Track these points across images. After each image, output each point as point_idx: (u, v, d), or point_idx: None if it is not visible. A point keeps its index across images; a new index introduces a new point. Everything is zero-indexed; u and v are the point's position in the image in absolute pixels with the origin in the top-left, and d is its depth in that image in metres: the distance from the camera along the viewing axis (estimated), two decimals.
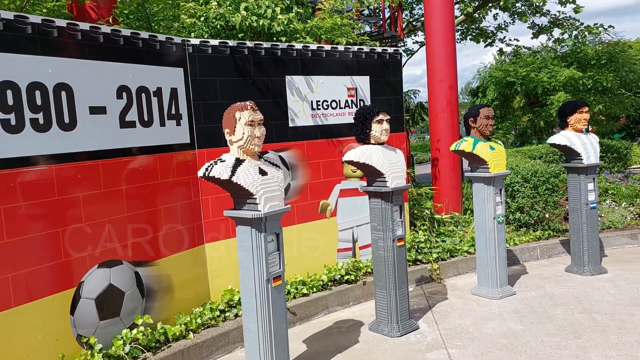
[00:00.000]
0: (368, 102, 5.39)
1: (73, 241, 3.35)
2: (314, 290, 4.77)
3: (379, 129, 4.08)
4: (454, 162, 7.25)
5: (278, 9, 4.72)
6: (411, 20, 16.52)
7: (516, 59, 13.28)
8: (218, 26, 4.71)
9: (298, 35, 5.13)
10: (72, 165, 3.36)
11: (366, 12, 11.58)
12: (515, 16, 14.43)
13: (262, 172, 3.21)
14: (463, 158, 6.15)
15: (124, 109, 3.71)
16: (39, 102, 3.17)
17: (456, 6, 12.93)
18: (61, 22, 3.33)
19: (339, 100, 5.18)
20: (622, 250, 6.37)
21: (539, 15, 13.85)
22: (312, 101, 4.99)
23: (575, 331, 4.00)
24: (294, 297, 4.64)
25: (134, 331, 3.61)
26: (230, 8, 4.66)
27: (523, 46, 14.30)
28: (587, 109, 5.37)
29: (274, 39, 5.13)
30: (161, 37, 4.03)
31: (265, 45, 4.65)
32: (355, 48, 5.27)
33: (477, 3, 12.70)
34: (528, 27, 14.29)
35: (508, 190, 6.74)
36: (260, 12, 4.71)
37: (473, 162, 4.93)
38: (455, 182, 7.30)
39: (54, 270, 3.25)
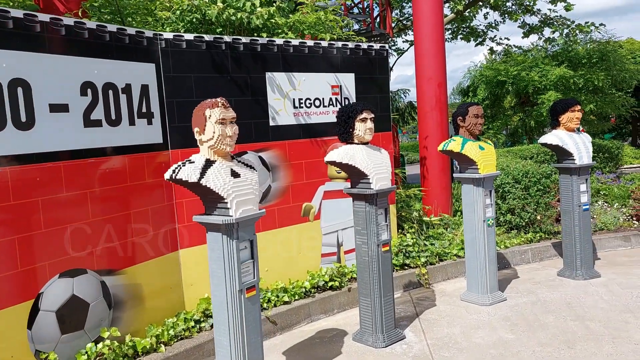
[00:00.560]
0: (353, 100, 5.18)
1: (30, 249, 3.10)
2: (296, 297, 4.55)
3: (363, 128, 3.86)
4: (443, 162, 7.06)
5: (257, 2, 4.49)
6: (401, 19, 16.35)
7: (507, 58, 13.13)
8: (194, 20, 4.47)
9: (280, 31, 4.91)
10: (30, 167, 3.11)
11: (356, 10, 11.38)
12: (506, 15, 14.31)
13: (235, 174, 2.98)
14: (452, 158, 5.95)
15: (89, 106, 3.46)
16: None
17: (446, 4, 12.76)
18: (17, 13, 3.08)
19: (323, 98, 4.96)
20: (615, 253, 6.21)
21: (529, 14, 13.73)
22: (294, 99, 4.76)
23: (568, 340, 3.81)
24: (275, 305, 4.42)
25: (100, 345, 3.37)
26: (207, 0, 4.42)
27: (514, 45, 14.17)
28: (579, 107, 5.19)
29: (255, 34, 4.91)
30: (130, 31, 3.79)
31: (244, 40, 4.42)
32: (340, 44, 5.06)
33: (467, 1, 12.52)
34: (519, 27, 14.17)
35: (498, 191, 6.56)
36: (239, 5, 4.48)
37: (462, 162, 4.74)
38: (445, 183, 7.11)
39: (8, 281, 3.00)
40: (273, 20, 4.76)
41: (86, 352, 3.31)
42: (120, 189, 3.67)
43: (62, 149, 3.29)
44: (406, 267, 5.41)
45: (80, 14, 4.36)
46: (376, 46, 5.35)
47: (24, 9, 3.71)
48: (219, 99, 2.94)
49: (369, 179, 3.88)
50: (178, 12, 4.53)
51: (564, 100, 5.27)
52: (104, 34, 3.58)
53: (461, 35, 15.53)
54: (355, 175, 3.97)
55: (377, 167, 3.91)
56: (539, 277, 5.42)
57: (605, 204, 7.78)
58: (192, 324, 3.95)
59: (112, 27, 3.65)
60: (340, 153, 3.87)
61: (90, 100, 3.46)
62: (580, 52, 11.71)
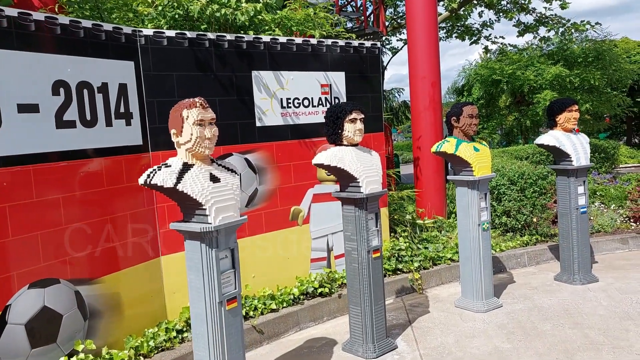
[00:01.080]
0: (344, 100, 5.00)
1: None
2: (284, 305, 4.37)
3: (352, 129, 3.69)
4: (437, 162, 6.90)
5: None
6: (395, 17, 16.18)
7: (502, 56, 12.99)
8: (176, 16, 4.28)
9: (266, 27, 4.72)
10: None
11: (349, 9, 11.20)
12: (501, 14, 14.17)
13: (214, 179, 2.80)
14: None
15: (62, 107, 3.27)
16: None
17: (440, 2, 12.61)
18: None
19: (312, 98, 4.78)
20: (613, 256, 6.06)
21: (524, 13, 13.59)
22: (281, 98, 4.58)
23: (567, 350, 3.65)
24: (262, 314, 4.24)
25: (74, 359, 3.18)
26: None
27: (509, 44, 14.03)
28: (576, 107, 5.04)
29: (242, 32, 4.72)
30: (107, 27, 3.59)
31: (229, 37, 4.23)
32: (330, 41, 4.88)
33: None
34: (514, 26, 14.02)
35: (494, 193, 6.41)
36: (224, 0, 4.29)
37: (456, 164, 4.57)
38: (439, 184, 6.95)
39: None
40: (260, 17, 4.58)
41: None
42: (97, 193, 3.48)
43: (32, 151, 3.10)
44: (399, 272, 5.24)
45: (57, 9, 4.16)
46: (367, 44, 5.18)
47: None
48: (196, 99, 2.76)
49: (358, 182, 3.71)
50: (160, 7, 4.34)
51: (561, 100, 5.12)
52: (78, 30, 3.39)
53: (456, 34, 15.39)
54: (344, 178, 3.79)
55: (367, 169, 3.74)
56: (535, 282, 5.26)
57: (602, 205, 7.65)
58: (174, 334, 3.77)
59: (87, 23, 3.45)
60: (328, 155, 3.70)
61: (62, 100, 3.27)
62: (575, 51, 11.58)
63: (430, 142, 6.51)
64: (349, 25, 10.30)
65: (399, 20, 16.32)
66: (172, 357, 3.54)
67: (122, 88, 3.67)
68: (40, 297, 3.13)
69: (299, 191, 4.72)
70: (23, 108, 3.05)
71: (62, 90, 3.27)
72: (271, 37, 4.48)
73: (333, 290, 4.66)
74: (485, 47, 14.15)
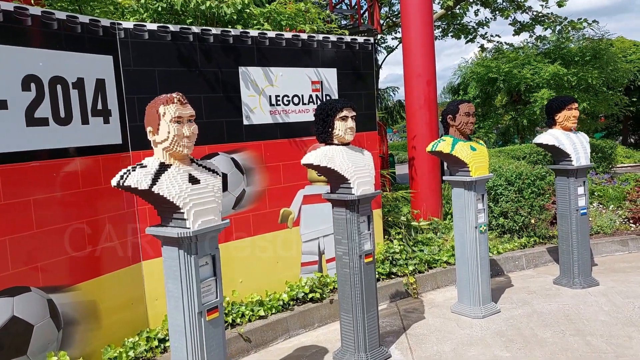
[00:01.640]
0: (336, 97, 4.82)
1: None
2: (273, 311, 4.18)
3: (343, 127, 3.50)
4: (432, 162, 6.72)
5: None
6: (391, 16, 16.02)
7: (498, 54, 12.84)
8: (159, 8, 4.08)
9: (255, 22, 4.53)
10: None
11: (344, 6, 11.02)
12: (497, 12, 14.02)
13: (193, 180, 2.61)
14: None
15: (33, 103, 3.06)
16: None
17: (435, 0, 12.45)
18: None
19: (302, 95, 4.59)
20: (613, 259, 5.91)
21: (520, 11, 13.45)
22: (270, 96, 4.39)
23: (569, 359, 3.48)
24: (250, 321, 4.05)
25: None
26: None
27: (505, 42, 13.90)
28: (576, 105, 4.87)
29: (229, 26, 4.53)
30: (83, 19, 3.39)
31: (215, 31, 4.04)
32: (321, 37, 4.69)
33: None
34: (509, 24, 13.89)
35: (491, 193, 6.24)
36: None
37: (452, 164, 4.39)
38: (434, 185, 6.78)
39: None
40: (248, 11, 4.38)
41: None
42: (72, 195, 3.27)
43: (0, 150, 2.89)
44: (393, 276, 5.06)
45: (32, 1, 3.95)
46: (360, 39, 5.00)
47: None
48: (174, 94, 2.57)
49: (349, 183, 3.52)
50: (142, 0, 4.14)
51: (560, 98, 4.95)
52: (51, 21, 3.19)
53: (451, 33, 15.24)
54: (334, 179, 3.61)
55: (359, 170, 3.56)
56: (534, 286, 5.09)
57: (600, 205, 7.50)
58: (156, 343, 3.58)
59: (61, 15, 3.25)
60: (317, 155, 3.51)
61: (34, 96, 3.07)
62: (572, 50, 11.45)
63: (425, 142, 6.34)
64: (344, 23, 10.13)
65: (394, 19, 16.16)
66: None
67: (100, 84, 3.46)
68: (9, 307, 2.93)
69: (289, 192, 4.53)
70: None
71: (33, 86, 3.06)
72: (259, 31, 4.29)
73: (324, 296, 4.48)
74: (481, 46, 14.02)
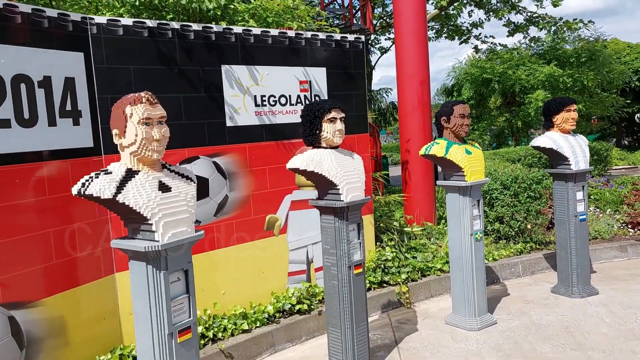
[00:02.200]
0: (325, 98, 4.60)
1: None
2: (257, 324, 3.94)
3: (332, 129, 3.29)
4: (426, 165, 6.52)
5: None
6: (384, 16, 15.82)
7: (493, 55, 12.68)
8: (136, 2, 3.84)
9: (239, 18, 4.30)
10: None
11: (336, 5, 10.82)
12: (491, 13, 13.89)
13: (164, 188, 2.37)
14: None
15: None
16: None
17: (429, 1, 12.27)
18: None
19: (290, 95, 4.37)
20: (612, 265, 5.73)
21: (514, 12, 13.32)
22: (256, 96, 4.16)
23: None
24: (232, 335, 3.81)
25: None
26: None
27: (499, 43, 13.75)
28: (575, 106, 4.68)
29: (213, 23, 4.30)
30: (51, 13, 3.15)
31: (196, 27, 3.81)
32: (309, 34, 4.47)
33: None
34: (504, 25, 13.76)
35: (486, 198, 6.04)
36: None
37: (446, 168, 4.18)
38: (428, 189, 6.57)
39: None
40: (232, 6, 4.15)
41: None
42: (37, 202, 3.03)
43: None
44: (385, 285, 4.84)
45: None
46: (351, 37, 4.78)
47: None
48: (142, 93, 2.34)
49: (338, 189, 3.30)
50: None
51: (558, 99, 4.75)
52: (14, 15, 2.94)
53: (445, 34, 15.08)
54: (322, 184, 3.39)
55: (348, 175, 3.34)
56: (531, 295, 4.89)
57: (597, 209, 7.33)
58: None
59: (25, 8, 3.01)
60: (304, 159, 3.29)
61: None
62: (568, 51, 11.30)
63: (419, 144, 6.13)
64: (336, 22, 9.92)
65: (387, 20, 15.97)
66: None
67: (69, 82, 3.22)
68: None
69: (276, 198, 4.30)
70: None
71: None
72: (244, 28, 4.06)
73: (313, 307, 4.25)
74: (475, 47, 13.86)
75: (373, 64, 15.26)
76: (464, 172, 4.04)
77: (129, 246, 2.31)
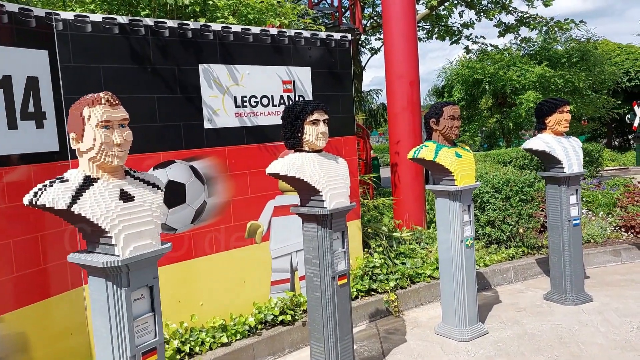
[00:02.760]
0: (310, 98, 4.41)
1: None
2: (238, 337, 3.74)
3: (314, 132, 3.10)
4: (415, 168, 6.35)
5: None
6: (375, 16, 15.68)
7: (484, 55, 12.56)
8: None
9: (219, 15, 4.10)
10: None
11: (325, 4, 10.66)
12: (482, 14, 13.78)
13: (126, 197, 2.17)
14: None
15: None
16: None
17: (420, 1, 12.13)
18: None
19: (272, 96, 4.18)
20: (606, 270, 5.59)
21: (505, 12, 13.22)
22: (236, 96, 3.96)
23: None
24: (210, 349, 3.61)
25: None
26: None
27: (490, 44, 13.64)
28: (568, 107, 4.53)
29: (192, 20, 4.10)
30: (11, 7, 2.93)
31: (171, 24, 3.60)
32: (293, 32, 4.28)
33: None
34: (494, 26, 13.66)
35: (477, 201, 5.88)
36: None
37: (436, 172, 4.01)
38: (418, 192, 6.41)
39: None
40: (211, 2, 3.96)
41: None
42: None
43: None
44: (373, 293, 4.66)
45: None
46: (337, 36, 4.60)
47: None
48: (102, 93, 2.14)
49: (321, 195, 3.12)
50: None
51: (550, 100, 4.60)
52: None
53: (436, 35, 14.96)
54: (304, 190, 3.20)
55: (332, 180, 3.16)
56: (523, 302, 4.74)
57: (590, 212, 7.20)
58: None
59: None
60: (285, 163, 3.10)
61: None
62: (559, 52, 11.21)
63: (408, 146, 5.96)
64: (325, 21, 9.75)
65: (378, 20, 15.82)
66: None
67: (32, 82, 3.01)
68: None
69: (257, 203, 4.11)
70: None
71: None
72: (223, 25, 3.86)
73: (297, 317, 4.06)
74: (466, 47, 13.74)
75: (363, 64, 15.10)
76: (454, 176, 3.87)
77: (86, 261, 2.11)
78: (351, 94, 4.78)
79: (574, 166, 4.50)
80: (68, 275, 3.19)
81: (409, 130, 6.26)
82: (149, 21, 3.51)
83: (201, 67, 3.75)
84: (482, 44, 13.66)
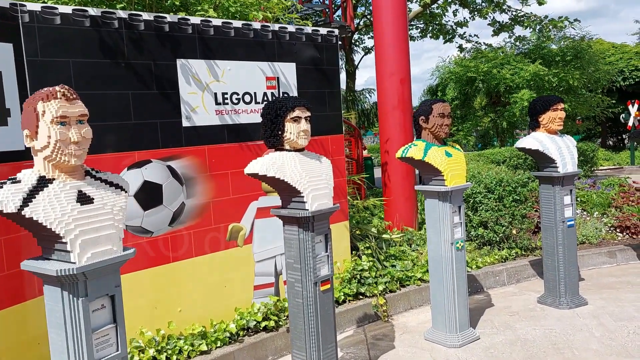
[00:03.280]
0: (295, 95, 4.24)
1: None
2: (218, 344, 3.58)
3: (295, 129, 2.95)
4: (407, 168, 6.20)
5: None
6: (368, 14, 15.53)
7: (477, 53, 12.44)
8: None
9: (199, 8, 3.94)
10: None
11: (316, 1, 10.50)
12: (476, 12, 13.67)
13: (84, 199, 2.01)
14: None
15: None
16: None
17: None
18: None
19: (255, 93, 4.01)
20: (600, 272, 5.46)
21: (499, 11, 13.11)
22: (216, 93, 3.80)
23: None
24: (189, 357, 3.44)
25: None
26: None
27: (484, 43, 13.52)
28: (562, 105, 4.39)
29: (172, 14, 3.93)
30: None
31: (146, 16, 3.43)
32: (277, 27, 4.12)
33: None
34: (488, 24, 13.56)
35: (469, 202, 5.74)
36: None
37: (425, 172, 3.86)
38: (409, 192, 6.26)
39: None
40: None
41: None
42: None
43: None
44: (361, 297, 4.51)
45: None
46: (323, 31, 4.44)
47: None
48: (58, 87, 1.97)
49: (302, 196, 2.96)
50: None
51: (544, 98, 4.46)
52: None
53: (430, 34, 14.83)
54: (285, 191, 3.05)
55: (314, 180, 3.00)
56: (516, 305, 4.59)
57: (585, 212, 7.08)
58: None
59: None
60: (264, 163, 2.95)
61: None
62: (553, 50, 11.09)
63: (398, 145, 5.78)
64: (316, 19, 9.58)
65: (372, 18, 15.68)
66: None
67: None
68: None
69: (240, 205, 3.94)
70: None
71: None
72: (202, 18, 3.69)
73: (281, 323, 3.90)
74: (460, 46, 13.63)
75: (357, 63, 14.96)
76: (443, 176, 3.72)
77: (39, 269, 1.94)
78: (338, 91, 4.63)
79: (568, 165, 4.36)
80: (35, 281, 3.01)
81: (399, 128, 6.12)
82: (123, 14, 3.33)
83: (179, 62, 3.59)
84: (476, 42, 13.55)
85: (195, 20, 3.65)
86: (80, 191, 2.01)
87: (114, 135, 3.30)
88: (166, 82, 3.54)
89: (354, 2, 11.04)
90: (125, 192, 2.19)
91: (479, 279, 5.14)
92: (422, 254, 5.36)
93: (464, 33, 13.93)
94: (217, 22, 3.76)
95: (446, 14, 13.99)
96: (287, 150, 3.02)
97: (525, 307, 4.54)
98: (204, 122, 3.72)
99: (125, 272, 3.31)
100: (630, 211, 6.60)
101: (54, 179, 1.98)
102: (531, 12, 12.28)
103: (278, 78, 4.14)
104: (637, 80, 17.55)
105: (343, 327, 4.23)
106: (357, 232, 5.13)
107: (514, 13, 12.66)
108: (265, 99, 4.06)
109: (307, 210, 2.95)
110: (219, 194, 3.81)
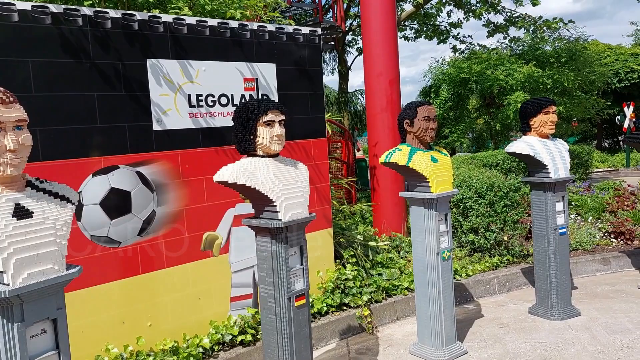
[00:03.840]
0: (275, 97, 4.07)
1: None
2: None
3: (268, 134, 2.77)
4: (395, 172, 6.01)
5: None
6: (359, 15, 15.37)
7: (471, 54, 12.28)
8: None
9: (173, 5, 3.75)
10: None
11: (306, 1, 10.30)
12: (470, 13, 13.52)
13: (21, 213, 1.81)
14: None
15: None
16: None
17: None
18: None
19: (232, 95, 3.83)
20: (594, 280, 5.29)
21: (493, 12, 12.97)
22: (190, 95, 3.61)
23: None
24: None
25: None
26: None
27: (478, 44, 13.37)
28: (554, 108, 4.22)
29: (145, 10, 3.74)
30: None
31: (113, 14, 3.24)
32: (256, 25, 3.93)
33: None
34: (483, 25, 13.41)
35: (459, 207, 5.57)
36: None
37: (410, 178, 3.69)
38: (398, 197, 6.05)
39: None
40: None
41: None
42: None
43: None
44: (345, 308, 4.32)
45: None
46: (305, 30, 4.26)
47: None
48: None
49: (275, 205, 2.78)
50: None
51: (535, 100, 4.29)
52: None
53: (424, 35, 14.68)
54: (256, 200, 2.86)
55: (288, 189, 2.82)
56: (507, 316, 4.42)
57: (579, 217, 6.92)
58: None
59: None
60: (234, 170, 2.76)
61: None
62: (548, 52, 10.95)
63: (387, 148, 5.61)
64: (307, 19, 9.41)
65: None
66: None
67: None
68: None
69: (215, 213, 3.75)
70: None
71: None
72: (175, 16, 3.50)
73: (258, 337, 3.70)
74: (454, 47, 13.47)
75: (349, 64, 14.79)
76: (429, 182, 3.54)
77: None
78: (321, 93, 4.45)
79: (560, 171, 4.20)
80: None
81: (388, 131, 5.94)
82: (87, 11, 3.14)
83: (149, 62, 3.39)
84: (470, 43, 13.40)
85: (167, 18, 3.46)
86: (17, 204, 1.82)
87: (78, 139, 3.11)
88: (135, 83, 3.34)
89: (346, 2, 10.85)
90: (72, 204, 2.00)
91: (468, 287, 4.96)
92: (410, 261, 5.18)
93: (458, 34, 13.78)
94: (190, 20, 3.57)
95: (440, 14, 13.85)
96: (259, 156, 2.84)
97: (515, 318, 4.37)
98: (177, 125, 3.53)
99: (90, 285, 3.13)
100: (625, 216, 6.45)
101: None
102: (525, 13, 12.15)
103: (257, 79, 3.95)
104: (632, 82, 17.47)
105: (325, 340, 4.05)
106: (341, 239, 4.95)
107: (508, 14, 12.52)
108: (244, 101, 3.88)
109: (280, 220, 2.76)
110: (193, 201, 3.61)
